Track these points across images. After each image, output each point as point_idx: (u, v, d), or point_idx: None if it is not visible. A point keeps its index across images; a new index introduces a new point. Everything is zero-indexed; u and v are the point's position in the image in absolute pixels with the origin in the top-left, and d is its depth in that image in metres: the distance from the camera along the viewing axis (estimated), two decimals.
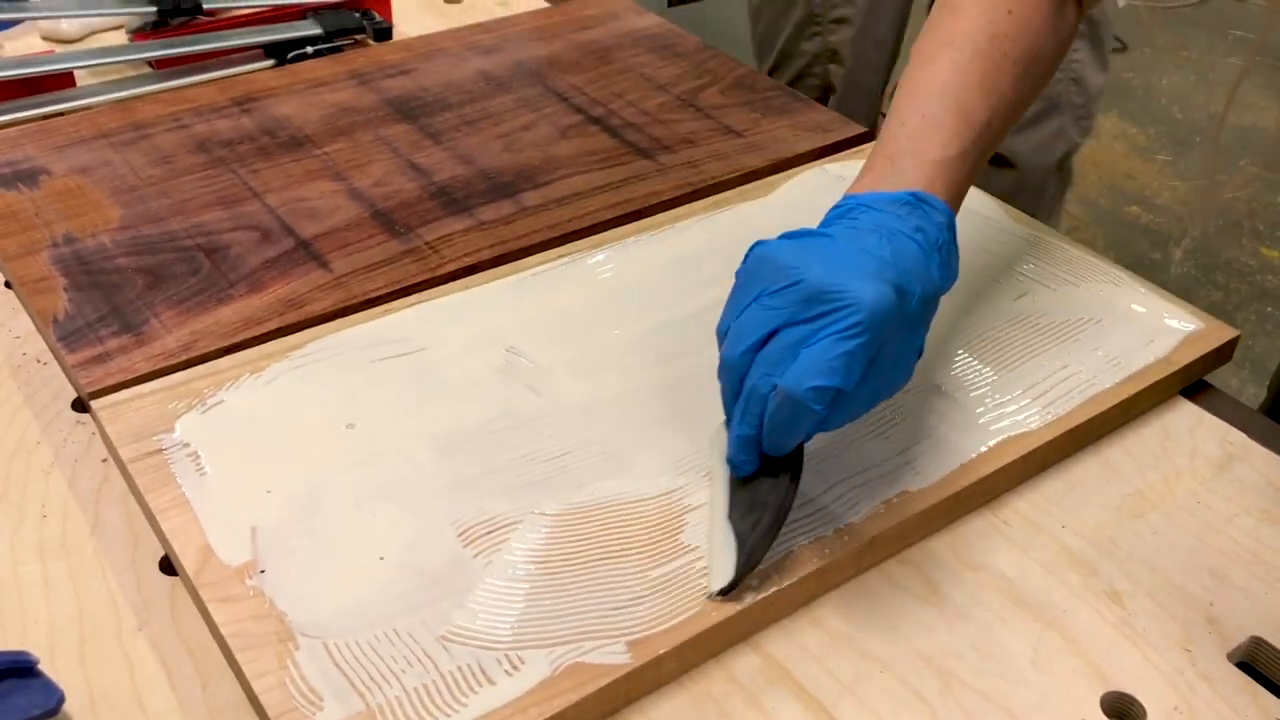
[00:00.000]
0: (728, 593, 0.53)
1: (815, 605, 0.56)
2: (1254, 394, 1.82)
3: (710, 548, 0.55)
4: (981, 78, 0.60)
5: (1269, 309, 2.13)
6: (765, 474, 0.55)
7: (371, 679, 0.49)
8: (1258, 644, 0.55)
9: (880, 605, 0.56)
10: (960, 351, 0.68)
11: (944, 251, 0.56)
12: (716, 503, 0.56)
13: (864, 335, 0.50)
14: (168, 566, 0.56)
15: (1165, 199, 2.43)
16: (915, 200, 0.56)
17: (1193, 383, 0.70)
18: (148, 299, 0.69)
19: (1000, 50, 0.61)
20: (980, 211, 0.81)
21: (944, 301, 0.72)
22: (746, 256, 0.54)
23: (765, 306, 0.52)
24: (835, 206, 0.57)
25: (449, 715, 0.48)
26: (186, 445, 0.60)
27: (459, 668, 0.50)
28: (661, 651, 0.51)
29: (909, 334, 0.54)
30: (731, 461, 0.55)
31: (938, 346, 0.69)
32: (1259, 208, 2.39)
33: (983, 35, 0.61)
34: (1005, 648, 0.54)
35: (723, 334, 0.54)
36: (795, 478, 0.55)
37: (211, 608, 0.52)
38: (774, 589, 0.54)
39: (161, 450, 0.59)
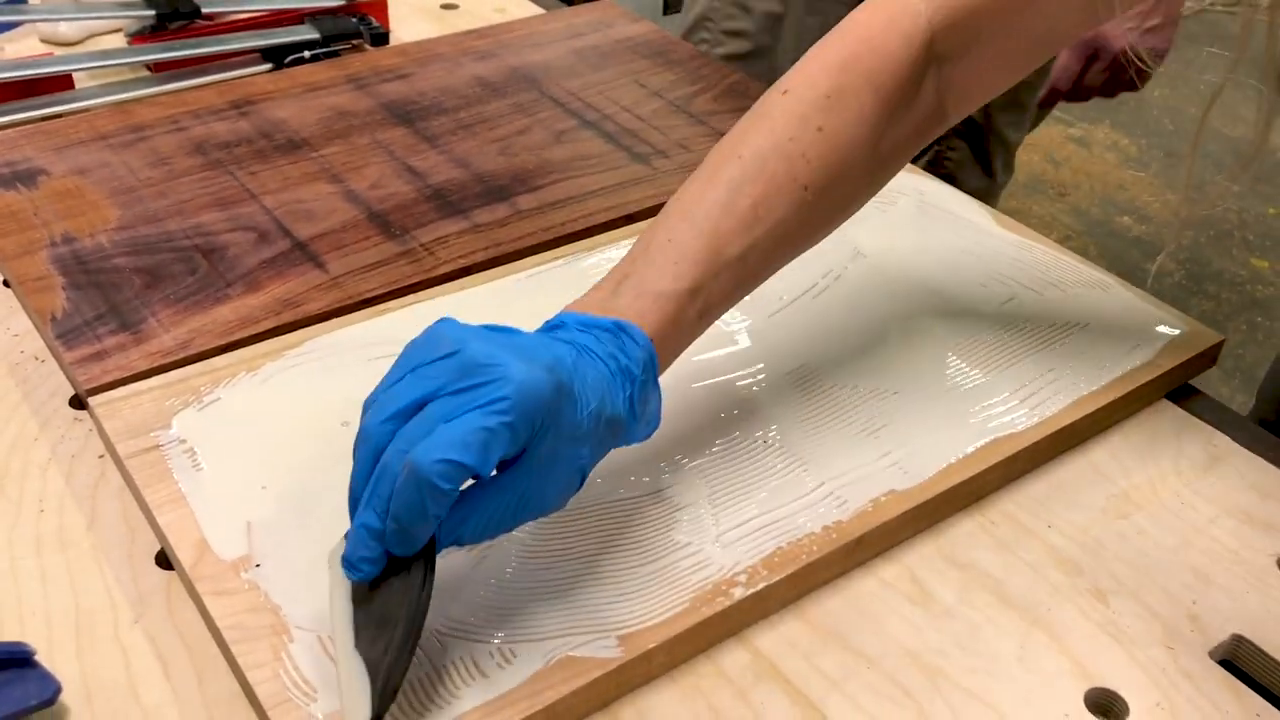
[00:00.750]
0: None
1: (804, 602, 0.57)
2: (1243, 402, 1.84)
3: (340, 683, 0.46)
4: (755, 203, 0.55)
5: (1259, 319, 2.15)
6: (392, 577, 0.47)
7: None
8: (1239, 642, 0.56)
9: (868, 603, 0.57)
10: (948, 354, 0.69)
11: (636, 386, 0.51)
12: (338, 629, 0.47)
13: (509, 415, 0.45)
14: (164, 561, 0.57)
15: (1157, 210, 2.44)
16: (617, 329, 0.52)
17: (1178, 386, 0.71)
18: (145, 298, 0.70)
19: (791, 172, 0.56)
20: (967, 216, 0.82)
21: (931, 304, 0.73)
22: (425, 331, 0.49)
23: (419, 375, 0.47)
24: (548, 321, 0.53)
25: (442, 707, 0.49)
26: (183, 441, 0.60)
27: (452, 661, 0.50)
28: (651, 646, 0.51)
29: (572, 446, 0.49)
30: (348, 560, 0.47)
31: (925, 349, 0.70)
32: (1250, 219, 2.41)
33: (777, 154, 0.56)
34: (991, 645, 0.55)
35: (369, 404, 0.48)
36: (428, 575, 0.47)
37: (207, 601, 0.52)
38: (763, 585, 0.54)
39: (158, 446, 0.60)
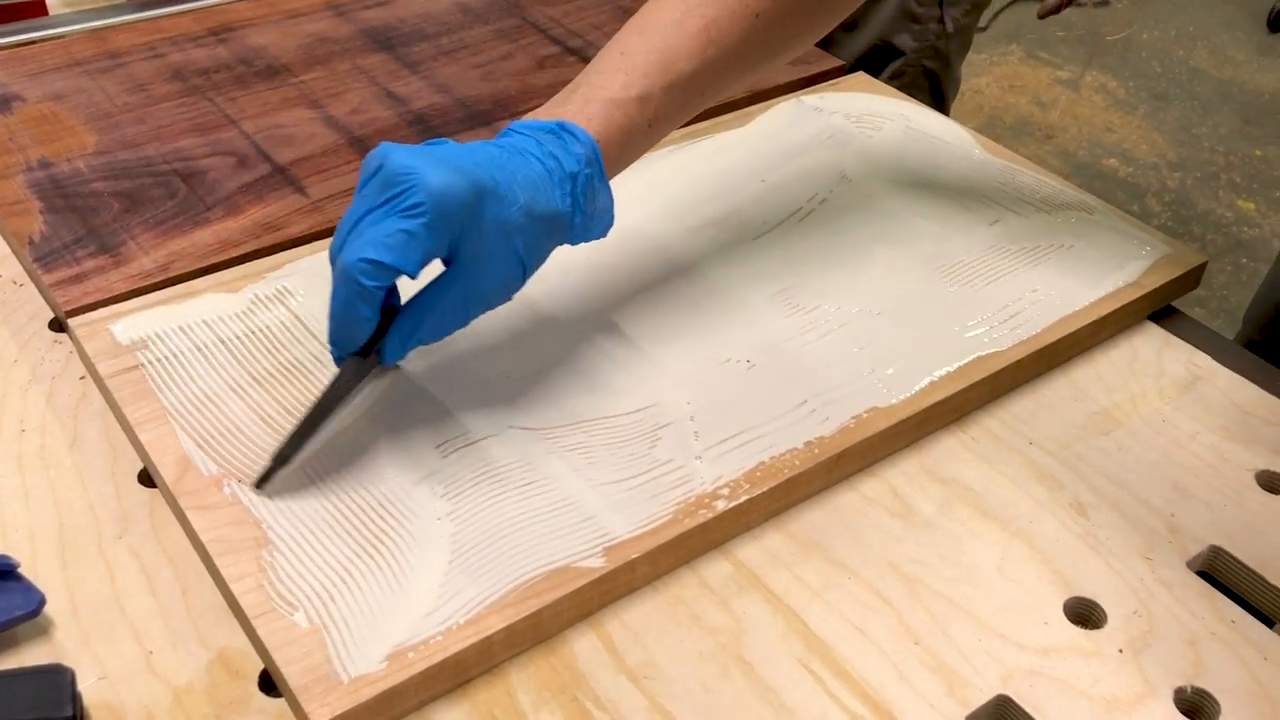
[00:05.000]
0: (259, 485, 0.53)
1: (785, 516, 0.57)
2: None
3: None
4: (707, 24, 0.57)
5: (1244, 260, 2.15)
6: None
7: (351, 578, 0.50)
8: (1216, 553, 0.57)
9: (849, 516, 0.57)
10: (933, 274, 0.69)
11: (578, 182, 0.54)
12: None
13: (424, 216, 0.49)
14: (146, 479, 0.57)
15: (1144, 152, 2.44)
16: (559, 129, 0.55)
17: (1161, 308, 0.71)
18: (124, 221, 0.69)
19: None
20: (952, 141, 0.81)
21: (916, 226, 0.73)
22: None
23: (358, 197, 0.51)
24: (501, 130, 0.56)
25: (429, 616, 0.49)
26: (164, 362, 0.60)
27: (442, 569, 0.50)
28: (634, 556, 0.52)
29: (503, 240, 0.52)
30: (331, 346, 0.54)
31: (910, 269, 0.69)
32: (1236, 160, 2.40)
33: None
34: (972, 556, 0.55)
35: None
36: (352, 375, 0.54)
37: (190, 515, 0.52)
38: (745, 498, 0.55)
39: (139, 366, 0.60)
